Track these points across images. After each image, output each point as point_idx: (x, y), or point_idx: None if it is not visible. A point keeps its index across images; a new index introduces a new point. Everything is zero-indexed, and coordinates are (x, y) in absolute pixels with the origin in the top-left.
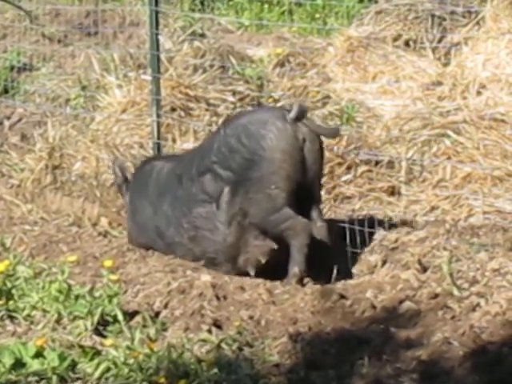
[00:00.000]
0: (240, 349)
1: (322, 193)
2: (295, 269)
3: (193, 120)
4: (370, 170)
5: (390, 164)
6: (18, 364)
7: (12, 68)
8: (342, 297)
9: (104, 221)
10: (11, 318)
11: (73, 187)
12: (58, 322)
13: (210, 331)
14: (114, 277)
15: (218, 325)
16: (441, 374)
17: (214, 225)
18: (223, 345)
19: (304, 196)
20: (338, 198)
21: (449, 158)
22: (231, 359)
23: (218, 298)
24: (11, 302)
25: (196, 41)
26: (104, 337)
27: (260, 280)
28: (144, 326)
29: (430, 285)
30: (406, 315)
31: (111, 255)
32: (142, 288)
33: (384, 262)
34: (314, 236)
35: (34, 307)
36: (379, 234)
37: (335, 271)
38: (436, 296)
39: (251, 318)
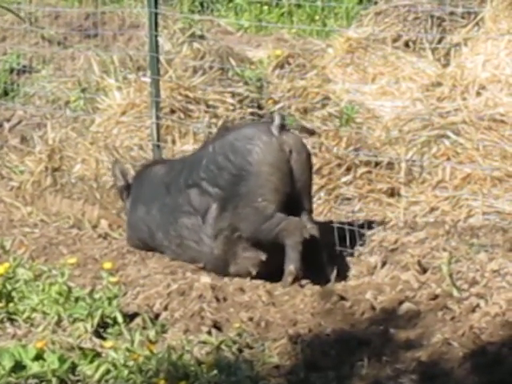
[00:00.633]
0: (240, 350)
1: (322, 194)
2: (291, 267)
3: (192, 122)
4: (369, 171)
5: (390, 165)
6: (18, 366)
7: (12, 70)
8: (342, 298)
9: (104, 223)
10: (11, 320)
11: (73, 189)
12: (57, 324)
13: (209, 333)
14: (113, 279)
15: (217, 326)
16: (440, 375)
17: (200, 237)
18: (223, 346)
19: (294, 206)
20: (338, 199)
21: (448, 158)
22: (231, 361)
23: (217, 300)
24: (11, 305)
25: (195, 42)
26: (104, 339)
27: (260, 281)
28: (144, 328)
29: (429, 286)
30: (406, 316)
31: (111, 257)
32: (141, 290)
33: (384, 263)
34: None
35: (33, 309)
36: (379, 235)
37: (334, 272)
38: (436, 297)
39: (251, 319)
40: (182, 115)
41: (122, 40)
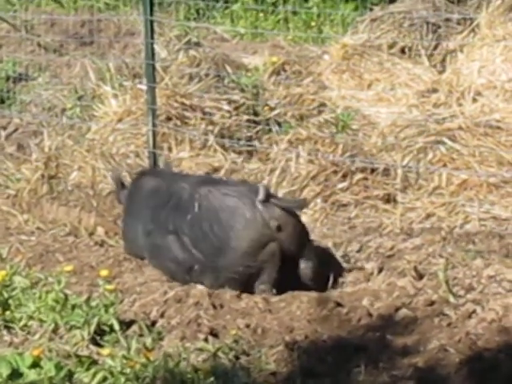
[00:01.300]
0: (236, 357)
1: (318, 200)
2: (262, 286)
3: (188, 129)
4: (365, 178)
5: (386, 171)
6: (15, 374)
7: (8, 78)
8: (339, 305)
9: (100, 230)
10: (8, 328)
11: (69, 197)
12: (54, 331)
13: (206, 340)
14: (110, 286)
15: (214, 333)
16: (437, 381)
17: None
18: (220, 353)
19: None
20: (334, 205)
21: (444, 165)
22: (228, 368)
23: (214, 307)
24: (8, 313)
25: (191, 50)
26: (101, 346)
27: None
28: (140, 336)
29: (426, 292)
30: (403, 322)
31: (107, 265)
32: (138, 297)
33: (380, 270)
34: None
35: (30, 317)
36: (375, 241)
37: (331, 279)
38: (432, 303)
39: (248, 326)
40: (178, 122)
41: (118, 47)
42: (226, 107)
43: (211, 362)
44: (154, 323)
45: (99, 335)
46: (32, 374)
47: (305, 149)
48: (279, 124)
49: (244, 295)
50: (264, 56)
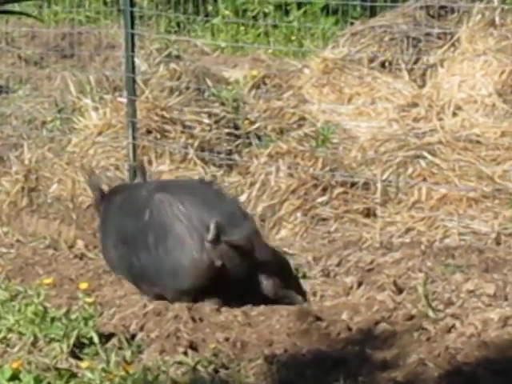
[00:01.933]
0: (216, 371)
1: (298, 214)
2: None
3: (169, 142)
4: (345, 192)
5: (366, 185)
6: None
7: None
8: (318, 318)
9: (80, 243)
10: None
11: (49, 209)
12: (33, 344)
13: (185, 353)
14: (89, 299)
15: (193, 347)
16: None
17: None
18: (199, 367)
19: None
20: (314, 219)
21: (424, 179)
22: (207, 381)
23: (193, 320)
24: None
25: (172, 63)
26: (80, 359)
27: (235, 302)
28: (120, 349)
29: (405, 306)
30: (382, 336)
31: (87, 278)
32: (117, 310)
33: (360, 284)
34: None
35: (9, 330)
36: (355, 255)
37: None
38: (411, 317)
39: (227, 339)
40: (158, 136)
41: (98, 60)
42: (207, 120)
43: (190, 376)
44: (133, 336)
45: (78, 348)
46: None
47: (285, 162)
48: (259, 138)
49: (224, 309)
50: (244, 69)
